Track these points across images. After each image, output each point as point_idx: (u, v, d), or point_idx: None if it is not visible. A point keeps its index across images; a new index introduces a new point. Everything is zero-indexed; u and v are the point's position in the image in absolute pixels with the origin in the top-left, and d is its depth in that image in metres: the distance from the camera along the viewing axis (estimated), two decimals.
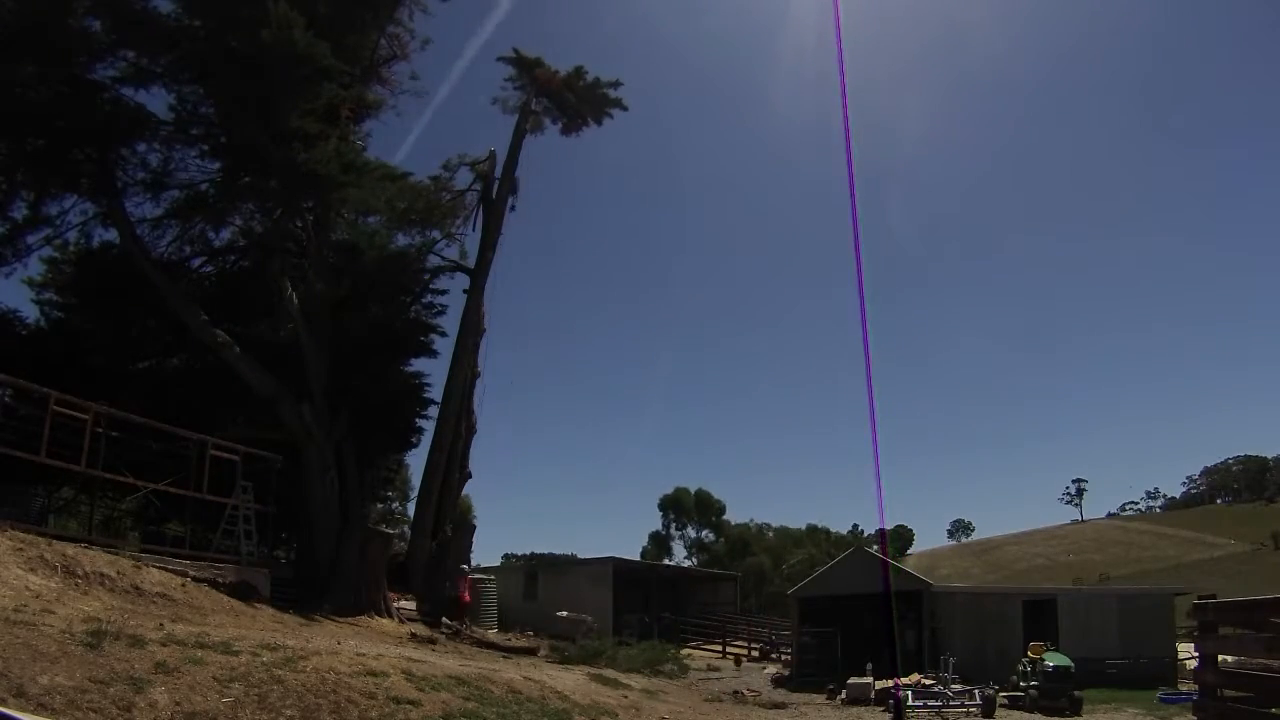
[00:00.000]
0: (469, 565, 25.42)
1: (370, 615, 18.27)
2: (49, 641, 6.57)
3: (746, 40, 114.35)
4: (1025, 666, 14.64)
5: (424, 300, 25.90)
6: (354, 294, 23.12)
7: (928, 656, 17.58)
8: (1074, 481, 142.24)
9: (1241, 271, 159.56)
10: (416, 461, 29.50)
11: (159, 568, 13.74)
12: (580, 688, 12.09)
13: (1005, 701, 13.81)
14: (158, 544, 18.43)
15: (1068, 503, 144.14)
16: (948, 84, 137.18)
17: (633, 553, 62.19)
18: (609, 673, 15.75)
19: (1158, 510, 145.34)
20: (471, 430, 25.72)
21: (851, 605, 20.94)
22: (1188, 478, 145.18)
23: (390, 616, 19.02)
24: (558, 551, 65.14)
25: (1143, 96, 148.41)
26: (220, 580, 15.34)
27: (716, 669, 22.79)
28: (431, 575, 22.66)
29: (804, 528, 65.21)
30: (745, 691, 16.74)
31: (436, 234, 25.69)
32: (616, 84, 27.99)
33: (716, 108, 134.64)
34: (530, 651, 19.23)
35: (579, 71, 27.68)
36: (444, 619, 20.78)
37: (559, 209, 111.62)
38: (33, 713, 4.89)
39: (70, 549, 12.19)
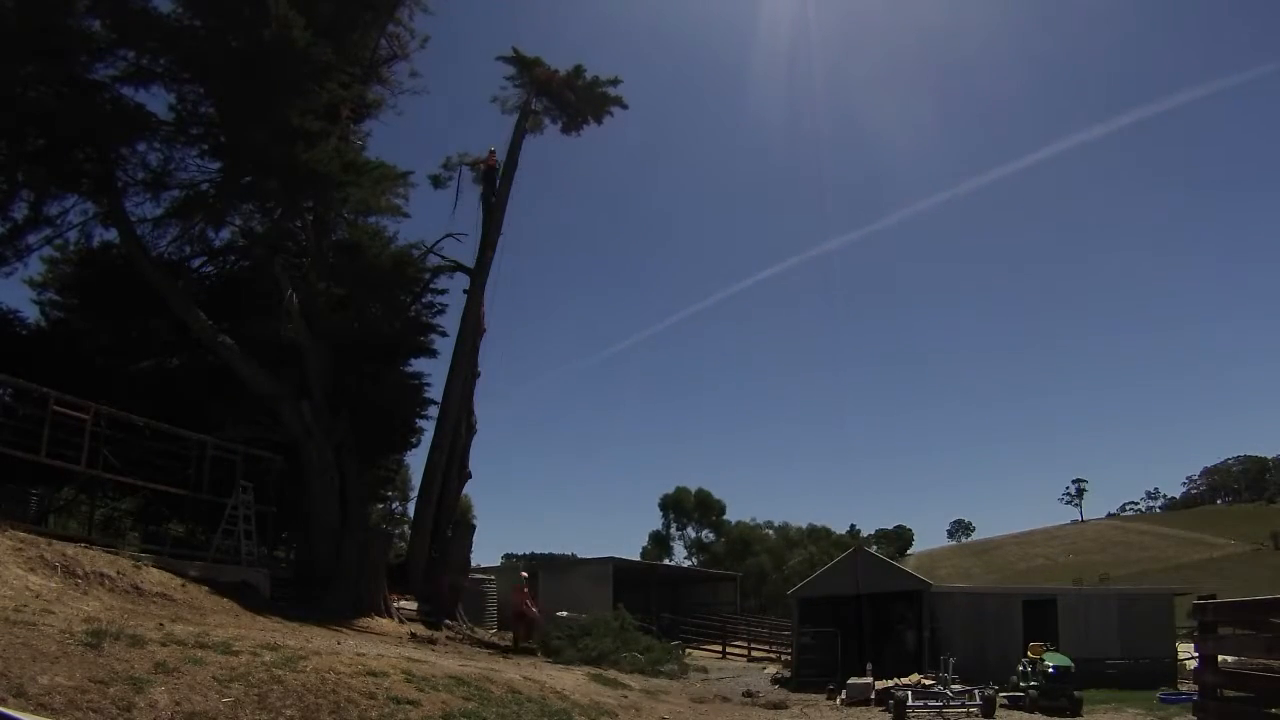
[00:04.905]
0: (470, 565, 25.38)
1: (370, 615, 18.27)
2: (49, 641, 6.57)
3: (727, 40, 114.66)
4: (1025, 667, 14.62)
5: (424, 300, 25.88)
6: (354, 294, 23.08)
7: (928, 657, 17.57)
8: (1074, 481, 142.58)
9: (1241, 272, 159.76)
10: (416, 461, 29.54)
11: (159, 568, 13.74)
12: (580, 688, 12.09)
13: (1005, 702, 13.79)
14: (158, 544, 18.41)
15: (1068, 503, 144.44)
16: (942, 82, 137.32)
17: (633, 553, 62.26)
18: (609, 673, 15.75)
19: (1158, 510, 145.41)
20: (471, 430, 25.67)
21: (852, 605, 20.95)
22: (1188, 478, 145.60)
23: (390, 616, 19.02)
24: (558, 551, 65.22)
25: (1137, 97, 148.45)
26: (220, 580, 15.34)
27: (717, 669, 22.79)
28: (431, 575, 22.65)
29: (804, 527, 65.21)
30: (745, 692, 16.74)
31: (437, 233, 25.72)
32: (616, 82, 27.96)
33: (706, 106, 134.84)
34: (530, 651, 19.23)
35: (579, 70, 27.66)
36: (445, 620, 20.78)
37: (558, 207, 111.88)
38: (33, 713, 4.88)
39: (70, 549, 12.19)
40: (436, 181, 27.08)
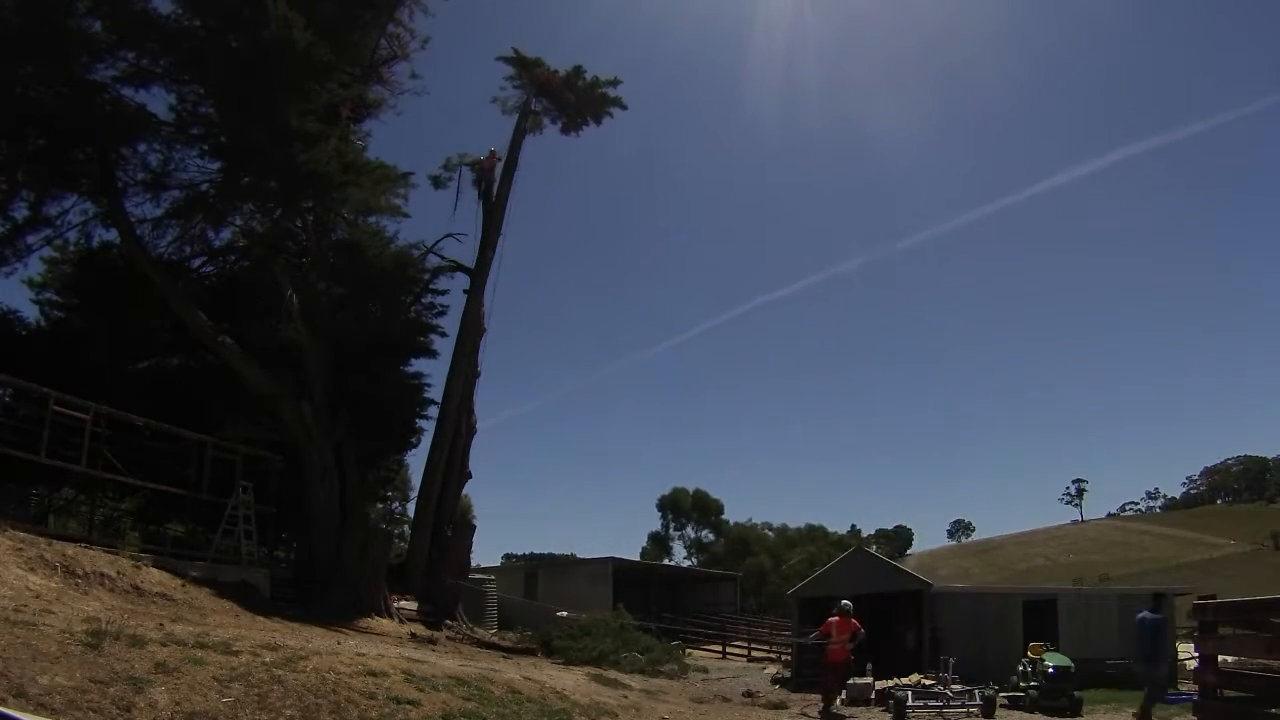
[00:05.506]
0: (470, 565, 25.37)
1: (370, 615, 18.26)
2: (49, 641, 6.57)
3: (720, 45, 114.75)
4: (1025, 667, 14.60)
5: (424, 300, 25.88)
6: (354, 294, 23.07)
7: (928, 657, 17.55)
8: (1074, 481, 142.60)
9: (1241, 272, 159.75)
10: (416, 461, 29.52)
11: (159, 568, 13.75)
12: (580, 688, 12.10)
13: (1005, 702, 13.77)
14: (158, 544, 18.42)
15: (1068, 503, 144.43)
16: (940, 82, 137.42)
17: (633, 553, 62.26)
18: (609, 673, 15.76)
19: (1158, 510, 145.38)
20: (471, 430, 25.66)
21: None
22: (1188, 478, 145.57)
23: (390, 617, 19.01)
24: (558, 551, 65.29)
25: (1138, 96, 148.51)
26: (220, 580, 15.34)
27: (717, 669, 22.78)
28: (432, 575, 22.64)
29: (804, 527, 65.22)
30: (745, 692, 16.74)
31: (437, 233, 25.71)
32: (615, 82, 27.95)
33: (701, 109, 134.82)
34: (530, 652, 19.22)
35: (578, 71, 27.65)
36: (445, 620, 20.77)
37: (558, 206, 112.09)
38: (33, 713, 4.88)
39: (70, 549, 12.19)
40: (437, 182, 27.07)
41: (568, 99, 27.60)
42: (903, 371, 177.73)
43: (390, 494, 37.98)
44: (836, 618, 14.55)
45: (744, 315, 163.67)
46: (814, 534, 64.25)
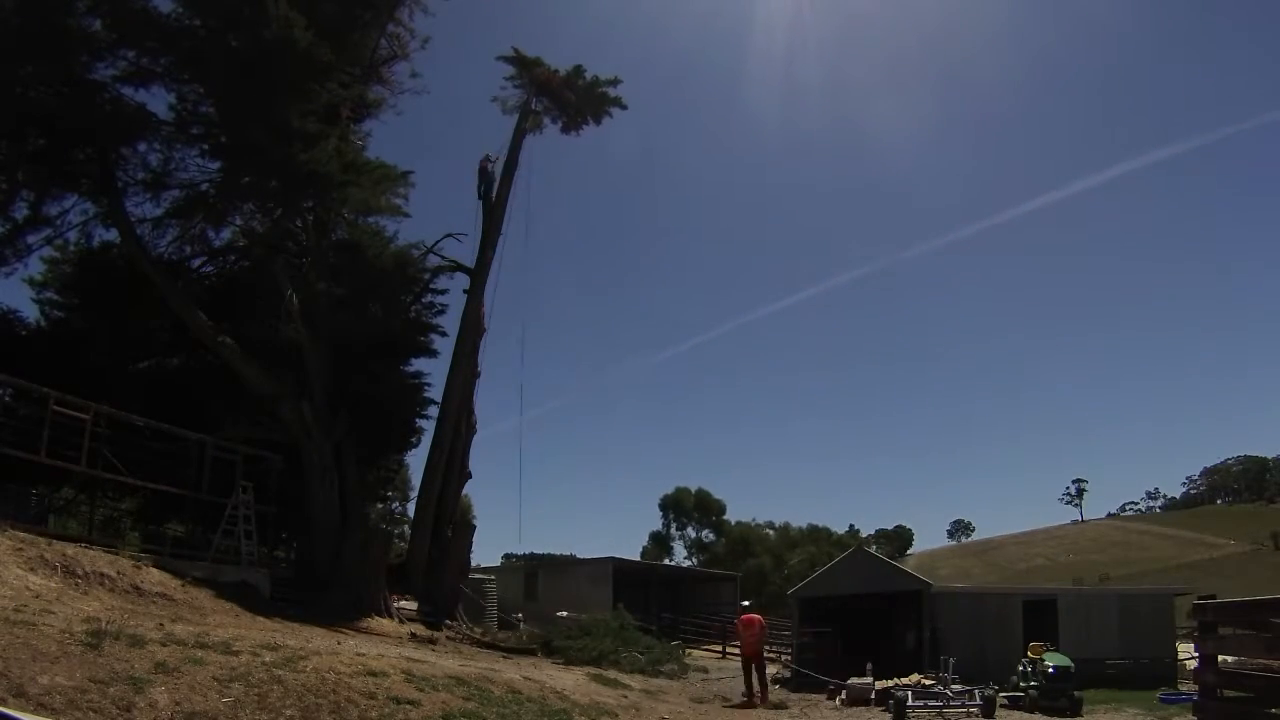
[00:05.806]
0: (470, 565, 25.36)
1: (370, 615, 18.25)
2: (49, 641, 6.57)
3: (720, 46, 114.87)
4: (1025, 667, 14.60)
5: (424, 300, 25.87)
6: (354, 294, 23.05)
7: (928, 657, 17.55)
8: (1074, 481, 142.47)
9: (1241, 272, 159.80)
10: (416, 461, 29.51)
11: (159, 568, 13.75)
12: (580, 688, 12.11)
13: (1005, 702, 13.77)
14: (158, 544, 18.42)
15: (1068, 503, 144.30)
16: (940, 82, 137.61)
17: (633, 553, 62.27)
18: (609, 673, 15.76)
19: (1158, 510, 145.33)
20: (471, 430, 25.64)
21: (852, 605, 20.95)
22: (1188, 478, 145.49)
23: (390, 617, 19.01)
24: (558, 551, 65.25)
25: (1135, 95, 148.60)
26: (220, 580, 15.34)
27: (717, 669, 22.77)
28: (432, 575, 22.64)
29: (804, 527, 65.23)
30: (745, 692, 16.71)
31: (437, 233, 25.69)
32: (615, 82, 27.92)
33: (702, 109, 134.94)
34: (530, 652, 19.22)
35: (578, 70, 27.64)
36: (445, 620, 20.77)
37: (558, 205, 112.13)
38: (33, 713, 4.89)
39: (70, 549, 12.20)
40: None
41: (568, 99, 27.58)
42: (903, 371, 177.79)
43: (390, 494, 37.97)
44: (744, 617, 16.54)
45: (744, 314, 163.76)
46: (815, 534, 64.28)
